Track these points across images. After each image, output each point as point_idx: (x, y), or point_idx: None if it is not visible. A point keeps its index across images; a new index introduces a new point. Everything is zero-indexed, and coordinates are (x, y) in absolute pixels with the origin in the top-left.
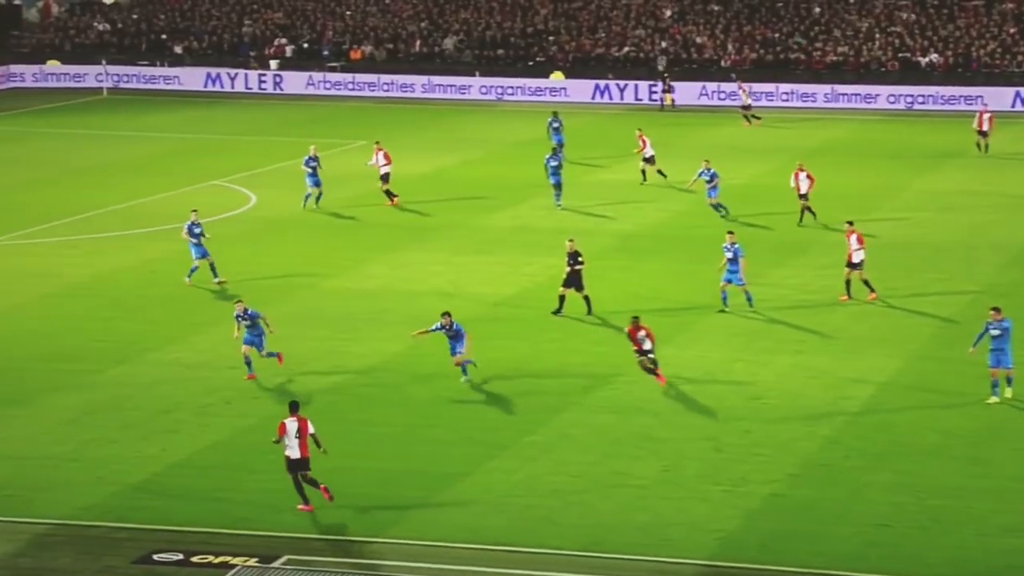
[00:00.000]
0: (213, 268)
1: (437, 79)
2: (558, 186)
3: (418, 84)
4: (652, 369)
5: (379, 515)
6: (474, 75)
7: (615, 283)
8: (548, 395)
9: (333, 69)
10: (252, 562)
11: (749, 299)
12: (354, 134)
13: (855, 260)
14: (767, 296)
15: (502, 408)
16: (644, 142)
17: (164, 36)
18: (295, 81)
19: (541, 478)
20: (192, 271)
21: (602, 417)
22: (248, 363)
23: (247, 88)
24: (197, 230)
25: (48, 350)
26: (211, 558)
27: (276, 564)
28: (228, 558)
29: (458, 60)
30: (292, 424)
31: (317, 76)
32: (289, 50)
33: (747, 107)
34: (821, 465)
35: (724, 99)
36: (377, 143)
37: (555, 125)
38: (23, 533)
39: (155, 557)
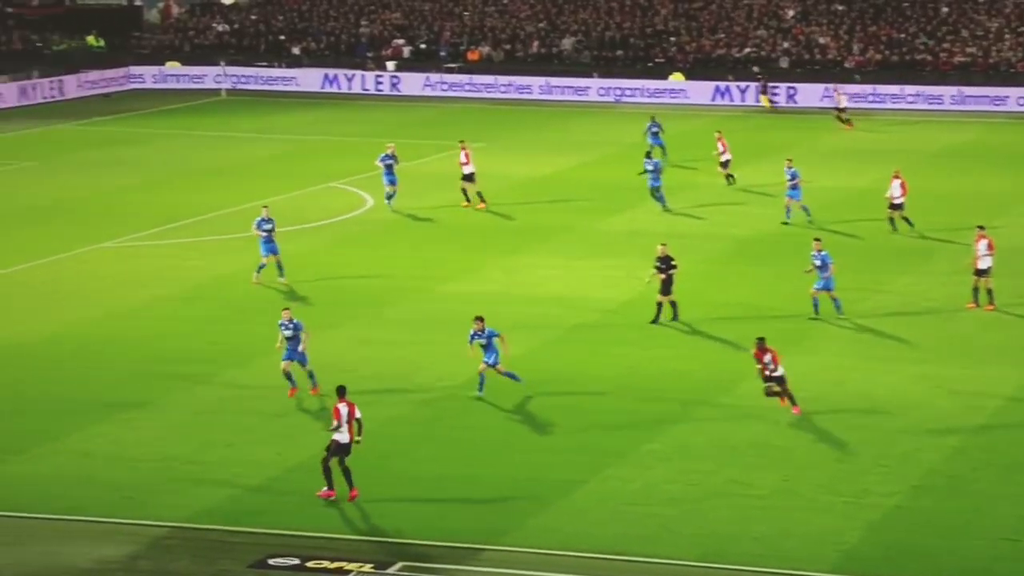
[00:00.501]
0: (280, 267)
1: (555, 80)
2: (658, 191)
3: (536, 85)
4: (779, 394)
5: (494, 522)
6: (592, 76)
7: (731, 289)
8: (666, 403)
9: (450, 70)
10: (367, 568)
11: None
12: (471, 135)
13: (981, 266)
14: (889, 304)
15: (619, 416)
16: (723, 145)
17: (282, 37)
18: (412, 82)
19: (658, 487)
20: (260, 268)
21: (720, 425)
22: (288, 377)
23: (364, 89)
24: (267, 226)
25: (166, 352)
26: (327, 563)
27: (391, 570)
28: (343, 563)
29: (576, 61)
30: (345, 409)
31: (434, 77)
32: (406, 51)
33: (841, 110)
34: (947, 477)
35: (848, 101)
36: (462, 142)
37: (654, 130)
38: (141, 535)
39: (271, 561)
